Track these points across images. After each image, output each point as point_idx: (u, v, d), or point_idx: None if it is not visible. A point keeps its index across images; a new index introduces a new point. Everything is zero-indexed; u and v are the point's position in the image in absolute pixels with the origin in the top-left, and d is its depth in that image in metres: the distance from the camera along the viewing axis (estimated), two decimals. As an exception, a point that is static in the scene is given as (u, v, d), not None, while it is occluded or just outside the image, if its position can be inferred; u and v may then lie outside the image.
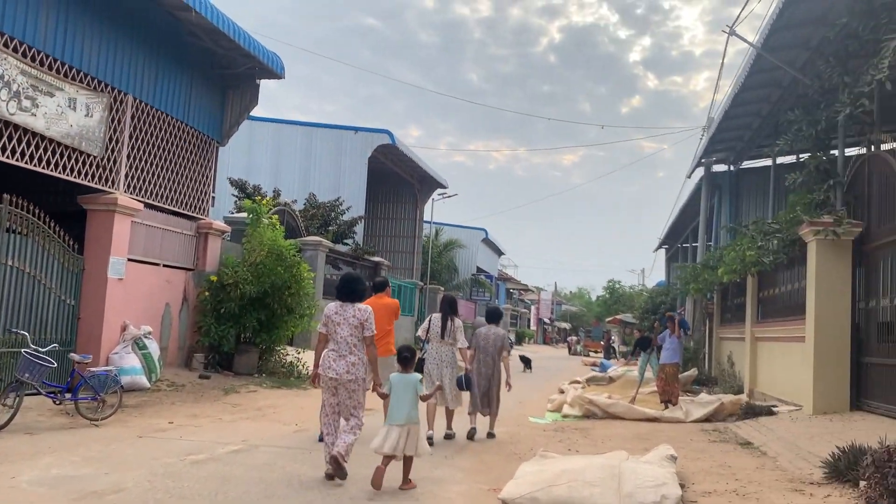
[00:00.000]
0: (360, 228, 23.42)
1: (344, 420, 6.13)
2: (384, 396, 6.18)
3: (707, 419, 11.50)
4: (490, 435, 8.86)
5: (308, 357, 14.56)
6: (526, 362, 23.73)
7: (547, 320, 74.49)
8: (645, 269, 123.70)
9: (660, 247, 36.73)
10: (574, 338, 59.07)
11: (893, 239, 9.52)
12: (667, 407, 12.38)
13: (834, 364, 10.15)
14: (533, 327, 68.63)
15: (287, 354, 14.46)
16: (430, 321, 8.53)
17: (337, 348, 6.10)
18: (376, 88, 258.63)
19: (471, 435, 8.60)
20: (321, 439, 6.47)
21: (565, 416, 11.74)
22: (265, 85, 14.84)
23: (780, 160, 16.38)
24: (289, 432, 8.58)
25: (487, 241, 44.96)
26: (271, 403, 11.06)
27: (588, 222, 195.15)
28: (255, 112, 15.21)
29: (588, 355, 42.11)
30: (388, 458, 5.73)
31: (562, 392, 15.91)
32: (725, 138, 17.56)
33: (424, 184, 30.62)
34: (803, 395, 10.78)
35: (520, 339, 54.30)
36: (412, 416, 5.86)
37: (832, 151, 11.30)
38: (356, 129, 24.71)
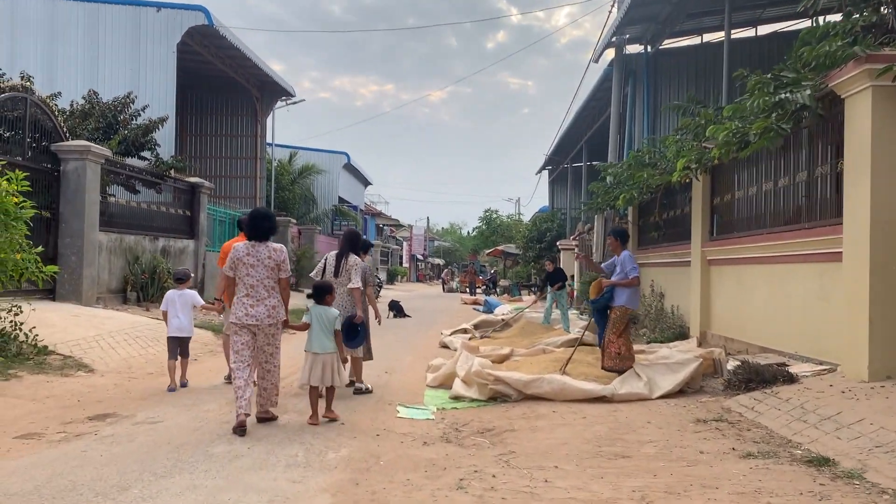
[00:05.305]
0: (166, 136, 17.17)
1: (264, 370, 5.79)
2: (305, 327, 6.03)
3: (680, 390, 7.31)
4: (357, 390, 7.37)
5: (39, 318, 9.00)
6: (396, 309, 18.77)
7: (420, 256, 70.51)
8: (521, 197, 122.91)
9: (544, 167, 32.84)
10: (448, 274, 55.50)
11: None
12: (616, 372, 7.98)
13: (904, 296, 6.05)
14: (406, 264, 64.40)
15: (-1, 319, 8.72)
16: (325, 261, 7.65)
17: (252, 292, 5.64)
18: (232, 20, 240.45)
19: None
20: (228, 380, 6.86)
21: (457, 399, 7.17)
22: None
23: (719, 36, 12.17)
24: None
25: (350, 168, 39.26)
26: None
27: (458, 158, 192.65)
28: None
29: (465, 291, 38.37)
30: (315, 390, 5.84)
31: (445, 347, 11.61)
32: (647, 0, 13.18)
33: (265, 91, 24.64)
34: (832, 347, 6.72)
35: (392, 278, 50.00)
36: (330, 345, 5.95)
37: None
38: (159, 6, 18.28)
